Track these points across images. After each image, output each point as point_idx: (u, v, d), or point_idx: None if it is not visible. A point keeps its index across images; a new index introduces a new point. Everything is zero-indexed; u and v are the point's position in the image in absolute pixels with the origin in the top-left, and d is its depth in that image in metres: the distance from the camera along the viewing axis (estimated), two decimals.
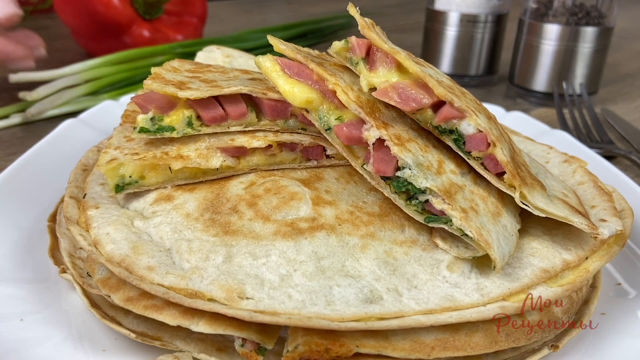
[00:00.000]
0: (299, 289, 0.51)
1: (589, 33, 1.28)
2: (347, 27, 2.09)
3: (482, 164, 0.59)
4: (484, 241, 0.52)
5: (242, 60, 0.98)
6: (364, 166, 0.59)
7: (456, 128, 0.59)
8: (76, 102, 1.22)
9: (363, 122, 0.59)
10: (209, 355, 0.52)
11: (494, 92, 1.50)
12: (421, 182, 0.55)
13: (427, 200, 0.56)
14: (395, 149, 0.55)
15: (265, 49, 1.67)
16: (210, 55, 0.98)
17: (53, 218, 0.72)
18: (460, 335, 0.51)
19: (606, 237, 0.58)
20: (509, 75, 1.46)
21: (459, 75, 1.48)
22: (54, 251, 0.65)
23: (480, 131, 0.58)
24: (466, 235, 0.53)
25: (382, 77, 0.60)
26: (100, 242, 0.56)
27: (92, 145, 0.86)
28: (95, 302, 0.57)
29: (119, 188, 0.63)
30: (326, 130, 0.61)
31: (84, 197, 0.66)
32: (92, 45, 1.58)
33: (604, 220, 0.61)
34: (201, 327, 0.49)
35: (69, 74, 1.24)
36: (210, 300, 0.50)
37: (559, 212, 0.58)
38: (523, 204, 0.58)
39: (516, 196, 0.58)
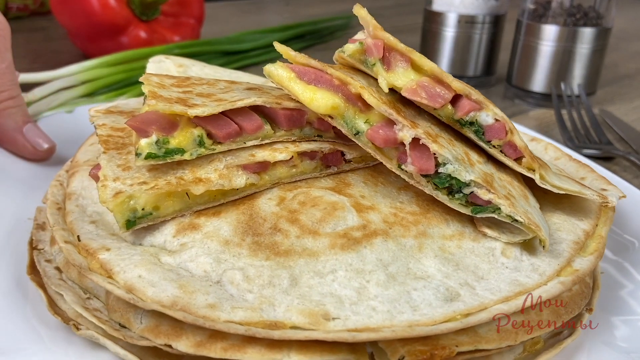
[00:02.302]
0: (380, 299, 0.49)
1: (586, 34, 1.28)
2: (344, 28, 2.06)
3: (501, 151, 0.62)
4: (534, 224, 0.55)
5: (197, 68, 0.92)
6: (402, 167, 0.58)
7: (476, 120, 0.61)
8: (73, 103, 1.18)
9: (392, 123, 0.58)
10: None
11: (492, 93, 1.49)
12: (465, 176, 0.56)
13: (470, 192, 0.57)
14: (434, 146, 0.56)
15: (263, 50, 1.63)
16: (161, 65, 0.91)
17: (33, 270, 0.61)
18: (532, 316, 0.53)
19: (615, 204, 0.63)
20: (507, 76, 1.45)
21: (457, 76, 1.43)
22: (55, 307, 0.56)
23: (498, 120, 0.61)
24: (516, 220, 0.55)
25: (401, 77, 0.60)
26: (135, 287, 0.49)
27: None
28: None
29: (130, 224, 0.56)
30: (355, 134, 0.59)
31: (78, 241, 0.57)
32: (88, 46, 1.54)
33: (604, 190, 0.67)
34: (294, 358, 0.45)
35: (65, 75, 1.22)
36: (293, 327, 0.47)
37: (573, 187, 0.63)
38: (542, 184, 0.61)
39: (536, 177, 0.61)
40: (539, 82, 1.36)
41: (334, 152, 0.64)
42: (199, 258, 0.53)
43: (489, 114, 0.61)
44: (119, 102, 0.83)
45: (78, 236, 0.58)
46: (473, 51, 1.44)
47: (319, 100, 0.58)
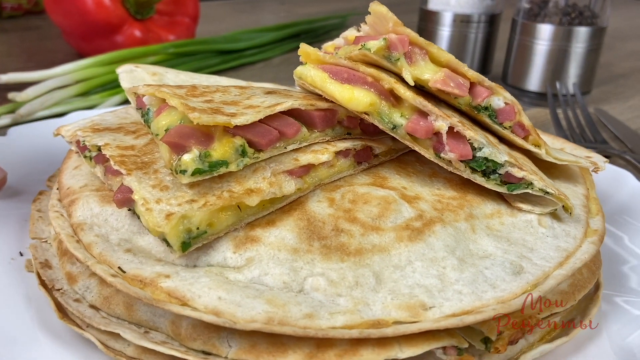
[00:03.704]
0: (462, 283, 0.51)
1: (582, 33, 1.28)
2: (340, 27, 2.02)
3: (512, 131, 0.67)
4: (563, 194, 0.60)
5: (172, 75, 0.87)
6: (441, 155, 0.61)
7: (490, 104, 0.65)
8: (67, 102, 1.19)
9: (424, 114, 0.61)
10: None
11: None
12: (500, 157, 0.60)
13: (505, 172, 0.61)
14: (470, 133, 0.59)
15: (258, 49, 1.59)
16: (134, 75, 0.84)
17: (63, 314, 0.55)
18: (577, 276, 0.58)
19: (605, 168, 0.71)
20: (503, 75, 1.45)
21: None
22: (110, 349, 0.51)
23: (508, 103, 0.66)
24: (547, 193, 0.61)
25: (424, 70, 0.62)
26: (220, 310, 0.47)
27: None
28: None
29: (185, 246, 0.52)
30: (392, 129, 0.61)
31: (123, 272, 0.52)
32: (82, 45, 1.54)
33: (589, 157, 0.75)
34: (407, 352, 0.47)
35: (59, 75, 1.23)
36: (396, 322, 0.47)
37: (570, 158, 0.69)
38: (547, 157, 0.67)
39: (542, 152, 0.67)
40: (534, 81, 1.36)
41: (364, 148, 0.65)
42: (273, 270, 0.52)
43: (500, 98, 0.65)
44: (93, 118, 0.76)
45: (119, 268, 0.53)
46: (468, 50, 1.44)
47: (358, 98, 0.59)
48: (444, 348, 0.49)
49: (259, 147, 0.57)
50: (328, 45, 0.81)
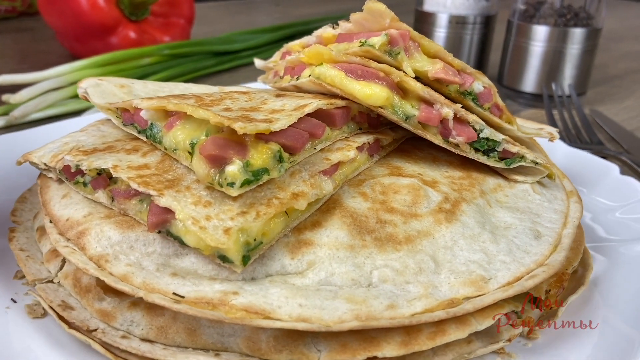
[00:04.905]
0: (502, 253, 0.57)
1: (577, 34, 1.29)
2: None
3: (490, 112, 0.74)
4: (551, 164, 0.69)
5: (140, 86, 0.81)
6: (449, 140, 0.65)
7: (472, 89, 0.71)
8: (61, 104, 1.19)
9: (429, 103, 0.65)
10: None
11: None
12: (498, 136, 0.66)
13: (503, 149, 0.67)
14: (472, 117, 0.65)
15: (253, 50, 1.57)
16: (102, 89, 0.77)
17: (115, 355, 0.51)
18: (577, 232, 0.66)
19: (558, 137, 0.81)
20: (498, 76, 1.46)
21: None
22: None
23: (486, 87, 0.72)
24: (537, 163, 0.68)
25: (419, 61, 0.66)
26: (306, 316, 0.47)
27: None
28: None
29: (246, 259, 0.51)
30: (405, 120, 0.64)
31: (182, 298, 0.50)
32: (77, 46, 1.53)
33: (542, 128, 0.85)
34: (484, 323, 0.51)
35: (53, 76, 1.22)
36: (465, 298, 0.51)
37: (533, 131, 0.78)
38: (518, 132, 0.76)
39: (515, 129, 0.75)
40: (530, 82, 1.38)
41: (375, 141, 0.67)
42: (338, 269, 0.53)
43: (480, 83, 0.71)
44: (65, 140, 0.70)
45: (174, 293, 0.51)
46: (464, 51, 1.45)
47: (377, 94, 0.61)
48: (505, 314, 0.54)
49: (291, 151, 0.57)
50: (294, 44, 0.81)
